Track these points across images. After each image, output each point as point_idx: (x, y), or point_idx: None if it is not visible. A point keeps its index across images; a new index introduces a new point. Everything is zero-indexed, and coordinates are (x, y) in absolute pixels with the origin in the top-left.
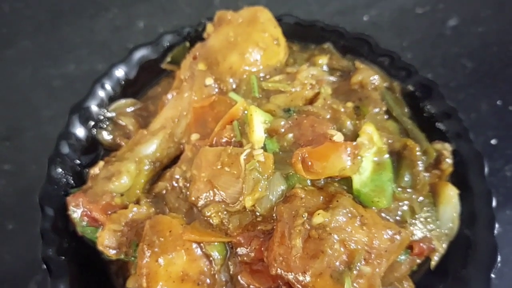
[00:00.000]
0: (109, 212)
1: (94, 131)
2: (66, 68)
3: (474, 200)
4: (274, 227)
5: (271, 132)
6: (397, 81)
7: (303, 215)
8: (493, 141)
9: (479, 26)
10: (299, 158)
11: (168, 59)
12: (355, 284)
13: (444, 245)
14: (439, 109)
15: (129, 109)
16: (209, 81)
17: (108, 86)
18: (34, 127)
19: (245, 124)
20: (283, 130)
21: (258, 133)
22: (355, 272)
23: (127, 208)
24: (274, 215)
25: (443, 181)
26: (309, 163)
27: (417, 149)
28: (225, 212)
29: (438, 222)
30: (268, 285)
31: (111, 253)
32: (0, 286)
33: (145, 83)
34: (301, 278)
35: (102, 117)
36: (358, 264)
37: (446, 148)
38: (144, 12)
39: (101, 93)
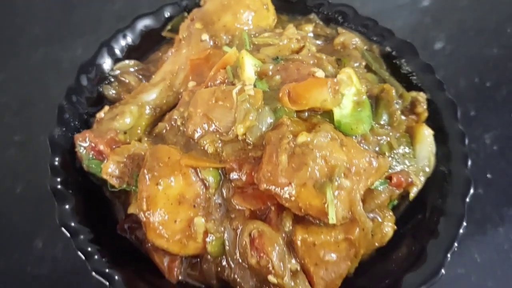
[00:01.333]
0: (114, 147)
1: (100, 87)
2: (74, 52)
3: (449, 140)
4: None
5: (260, 75)
6: (376, 44)
7: (288, 136)
8: (472, 113)
9: (457, 15)
10: (286, 92)
11: (169, 27)
12: (336, 193)
13: (422, 179)
14: (415, 66)
15: (132, 69)
16: (205, 36)
17: (113, 49)
18: (44, 103)
19: (237, 68)
20: (271, 73)
21: (249, 72)
22: (336, 183)
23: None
24: (263, 143)
25: (419, 123)
26: (295, 96)
27: (393, 91)
28: (219, 142)
29: (415, 160)
30: (258, 206)
31: (114, 181)
32: (7, 243)
33: (147, 49)
34: (286, 189)
35: (107, 75)
36: (338, 178)
37: (421, 95)
38: (146, 3)
39: (107, 55)
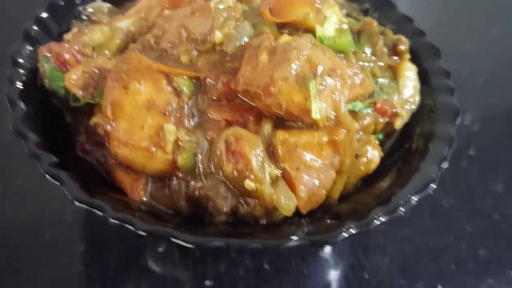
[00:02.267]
0: (79, 59)
1: (71, 23)
2: None
3: (432, 77)
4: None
5: None
6: (354, 3)
7: (269, 37)
8: None
9: None
10: (267, 7)
11: None
12: (320, 88)
13: (407, 111)
14: (394, 18)
15: (106, 11)
16: None
17: None
18: None
19: None
20: None
21: None
22: (319, 79)
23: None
24: (242, 54)
25: (401, 61)
26: (276, 10)
27: (375, 24)
28: (195, 51)
29: (399, 93)
30: (235, 117)
31: (78, 92)
32: None
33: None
34: (266, 85)
35: (79, 13)
36: (322, 75)
37: (403, 37)
38: None
39: None
